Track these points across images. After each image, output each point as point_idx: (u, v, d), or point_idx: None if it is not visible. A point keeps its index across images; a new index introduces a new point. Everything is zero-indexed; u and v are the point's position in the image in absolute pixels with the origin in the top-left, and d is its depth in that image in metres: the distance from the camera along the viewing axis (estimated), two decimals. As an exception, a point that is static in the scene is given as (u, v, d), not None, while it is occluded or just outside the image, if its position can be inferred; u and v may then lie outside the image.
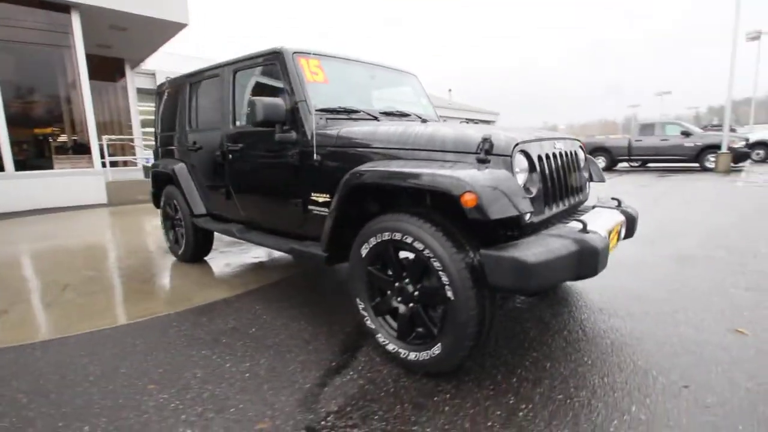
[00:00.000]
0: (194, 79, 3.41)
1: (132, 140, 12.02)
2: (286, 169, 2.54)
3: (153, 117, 4.22)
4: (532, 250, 1.52)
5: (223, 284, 3.26)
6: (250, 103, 2.38)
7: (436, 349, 1.74)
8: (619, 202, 2.38)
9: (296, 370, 1.96)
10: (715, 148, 11.90)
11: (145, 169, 9.84)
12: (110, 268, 3.86)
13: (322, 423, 1.57)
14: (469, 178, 1.55)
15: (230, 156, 2.97)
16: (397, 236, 1.80)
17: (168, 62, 13.15)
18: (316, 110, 2.40)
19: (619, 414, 1.56)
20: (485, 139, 1.75)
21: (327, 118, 2.45)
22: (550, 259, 1.53)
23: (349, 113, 2.56)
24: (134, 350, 2.22)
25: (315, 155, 2.32)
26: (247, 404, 1.71)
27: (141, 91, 12.80)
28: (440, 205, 1.88)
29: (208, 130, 3.28)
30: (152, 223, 6.29)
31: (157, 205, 4.22)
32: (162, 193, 3.98)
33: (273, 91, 3.06)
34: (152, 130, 4.28)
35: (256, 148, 2.76)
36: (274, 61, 2.59)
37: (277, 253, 4.16)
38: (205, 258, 3.98)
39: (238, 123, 2.97)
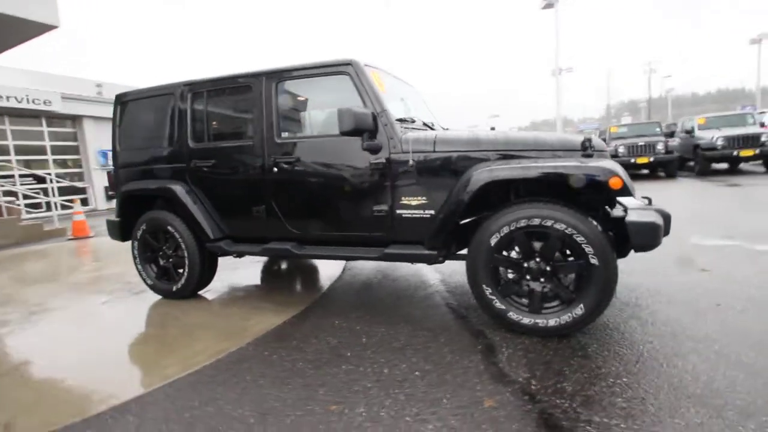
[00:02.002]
0: (202, 88, 3.05)
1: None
2: (368, 177, 2.58)
3: None
4: (653, 217, 2.04)
5: (258, 309, 2.98)
6: (340, 113, 2.37)
7: (579, 310, 2.11)
8: (650, 200, 2.43)
9: (455, 359, 2.08)
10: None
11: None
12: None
13: (533, 387, 1.78)
14: (611, 166, 2.00)
15: (276, 170, 2.80)
16: (535, 222, 2.12)
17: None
18: None
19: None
20: (588, 139, 2.24)
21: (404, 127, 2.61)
22: (662, 223, 2.07)
23: (410, 122, 2.75)
24: (258, 384, 1.97)
25: (410, 161, 2.46)
26: (448, 392, 1.78)
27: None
28: (556, 192, 2.27)
29: (231, 144, 2.99)
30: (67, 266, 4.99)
31: (125, 237, 3.51)
32: (137, 222, 3.35)
33: (323, 102, 3.04)
34: None
35: (322, 158, 2.69)
36: (344, 72, 2.61)
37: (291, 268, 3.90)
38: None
39: (285, 134, 2.82)
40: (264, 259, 4.49)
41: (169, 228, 3.18)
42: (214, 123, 3.10)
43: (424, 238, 2.50)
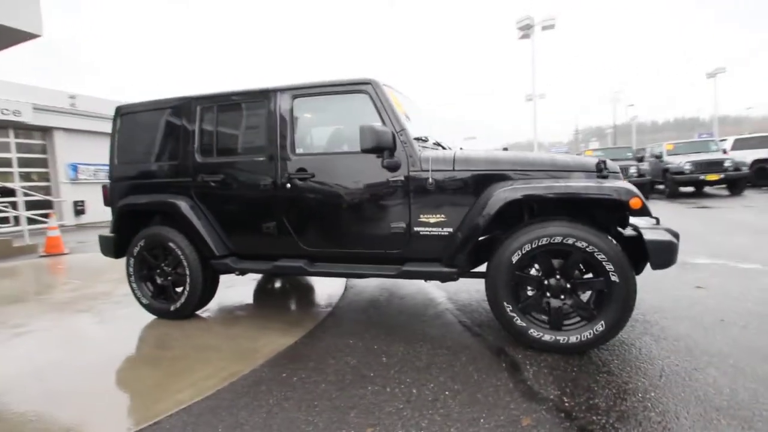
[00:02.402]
0: (212, 102, 3.01)
1: None
2: (386, 194, 2.58)
3: None
4: (669, 236, 2.13)
5: (264, 329, 2.89)
6: (362, 130, 2.39)
7: (600, 327, 2.15)
8: (658, 220, 2.36)
9: (482, 377, 2.06)
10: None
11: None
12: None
13: (567, 404, 1.78)
14: (630, 187, 2.09)
15: (289, 186, 2.76)
16: (557, 240, 2.17)
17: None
18: None
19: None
20: (603, 161, 2.34)
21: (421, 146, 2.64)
22: (677, 241, 2.16)
23: (423, 141, 2.80)
24: (282, 408, 1.89)
25: (430, 179, 2.49)
26: (483, 412, 1.76)
27: None
28: (570, 211, 2.34)
29: (241, 159, 2.94)
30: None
31: (119, 254, 3.35)
32: (134, 238, 3.21)
33: (338, 120, 3.04)
34: None
35: (339, 174, 2.68)
36: (362, 91, 2.64)
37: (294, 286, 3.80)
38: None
39: (299, 150, 2.80)
40: (258, 276, 4.37)
41: (171, 244, 3.06)
42: (224, 138, 3.04)
43: (440, 255, 2.52)
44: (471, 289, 3.55)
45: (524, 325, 2.28)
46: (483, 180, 2.43)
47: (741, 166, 10.26)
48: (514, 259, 2.26)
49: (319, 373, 2.22)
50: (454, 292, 3.53)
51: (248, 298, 3.78)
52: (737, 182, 10.27)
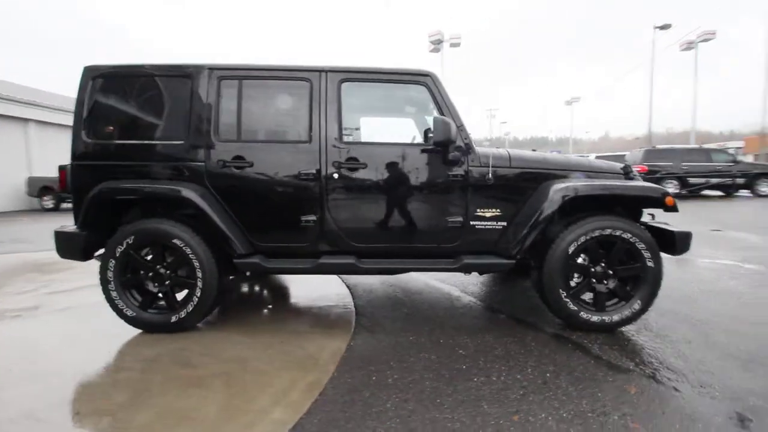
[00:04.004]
0: (234, 75, 2.57)
1: None
2: (445, 188, 2.59)
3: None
4: (687, 229, 2.61)
5: (298, 334, 2.62)
6: (436, 122, 2.36)
7: (636, 305, 2.53)
8: (653, 216, 2.76)
9: (562, 359, 2.24)
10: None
11: None
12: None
13: (648, 370, 2.08)
14: (663, 188, 2.51)
15: (337, 176, 2.55)
16: (607, 231, 2.49)
17: None
18: None
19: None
20: (628, 165, 2.76)
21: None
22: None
23: None
24: (408, 409, 1.78)
25: (489, 175, 2.59)
26: (596, 388, 1.94)
27: None
28: (609, 207, 2.69)
29: (275, 144, 2.60)
30: None
31: (87, 255, 2.62)
32: (116, 235, 2.55)
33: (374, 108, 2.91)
34: None
35: (395, 166, 2.57)
36: (421, 83, 2.60)
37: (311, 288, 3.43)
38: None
39: (349, 138, 2.61)
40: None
41: (177, 242, 2.53)
42: (253, 117, 2.64)
43: (491, 248, 2.64)
44: (476, 282, 3.74)
45: (575, 309, 2.54)
46: (534, 178, 2.64)
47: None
48: (570, 249, 2.51)
49: (409, 371, 2.13)
50: (463, 285, 3.67)
51: (226, 305, 3.33)
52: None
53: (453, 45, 18.43)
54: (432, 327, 2.72)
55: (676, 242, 2.53)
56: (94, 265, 2.67)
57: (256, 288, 3.78)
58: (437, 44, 18.22)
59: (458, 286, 3.67)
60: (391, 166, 2.60)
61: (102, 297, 2.57)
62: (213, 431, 1.68)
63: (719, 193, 12.51)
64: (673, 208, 2.55)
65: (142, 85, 2.65)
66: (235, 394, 1.94)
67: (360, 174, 2.58)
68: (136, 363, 2.28)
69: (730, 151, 15.63)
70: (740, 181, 12.11)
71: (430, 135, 2.53)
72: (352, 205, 2.62)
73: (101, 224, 2.62)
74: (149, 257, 2.63)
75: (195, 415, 1.79)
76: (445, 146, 2.50)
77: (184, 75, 2.62)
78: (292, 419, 1.72)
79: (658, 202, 2.55)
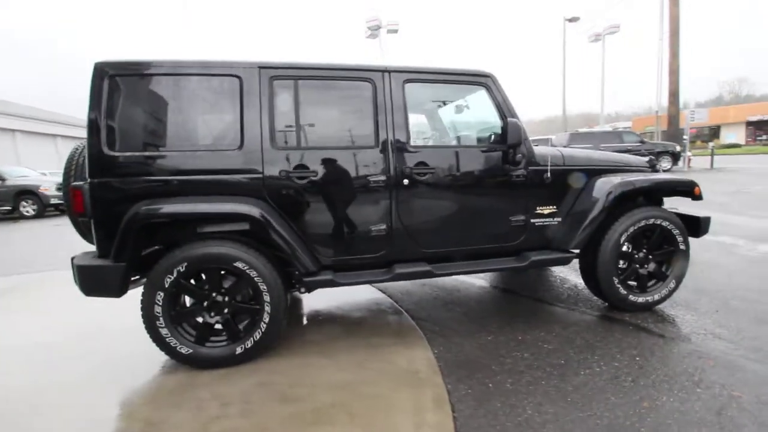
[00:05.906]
0: (288, 75, 2.30)
1: None
2: (509, 189, 2.64)
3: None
4: (707, 214, 2.98)
5: (372, 347, 2.52)
6: (511, 125, 2.39)
7: (672, 284, 2.85)
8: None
9: (635, 342, 2.46)
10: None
11: None
12: None
13: (718, 343, 2.38)
14: (692, 180, 2.84)
15: (408, 182, 2.46)
16: (650, 221, 2.76)
17: None
18: None
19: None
20: (652, 158, 3.06)
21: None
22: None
23: None
24: (546, 413, 1.83)
25: (548, 174, 2.69)
26: (680, 364, 2.18)
27: None
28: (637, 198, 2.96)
29: (336, 150, 2.40)
30: None
31: (123, 290, 2.20)
32: (161, 263, 2.18)
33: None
34: None
35: (462, 169, 2.55)
36: (481, 84, 2.58)
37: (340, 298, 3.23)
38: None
39: (418, 141, 2.50)
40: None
41: (239, 264, 2.24)
42: (311, 121, 2.41)
43: (547, 243, 2.78)
44: (488, 275, 3.86)
45: (625, 293, 2.79)
46: (584, 174, 2.81)
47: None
48: (622, 239, 2.73)
49: (516, 373, 2.18)
50: (486, 277, 3.79)
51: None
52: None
53: (390, 31, 18.44)
54: (499, 324, 2.79)
55: (701, 226, 2.89)
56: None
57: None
58: (375, 30, 18.06)
59: (483, 278, 3.78)
60: (458, 169, 2.58)
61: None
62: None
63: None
64: (698, 197, 2.90)
65: (174, 85, 2.25)
66: (368, 424, 1.82)
67: (429, 178, 2.52)
68: (224, 406, 2.00)
69: (636, 132, 17.86)
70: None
71: (487, 135, 2.56)
72: (423, 211, 2.55)
73: (138, 251, 2.22)
74: (207, 285, 2.30)
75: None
76: (515, 148, 2.54)
77: (229, 74, 2.29)
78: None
79: (689, 192, 2.88)
